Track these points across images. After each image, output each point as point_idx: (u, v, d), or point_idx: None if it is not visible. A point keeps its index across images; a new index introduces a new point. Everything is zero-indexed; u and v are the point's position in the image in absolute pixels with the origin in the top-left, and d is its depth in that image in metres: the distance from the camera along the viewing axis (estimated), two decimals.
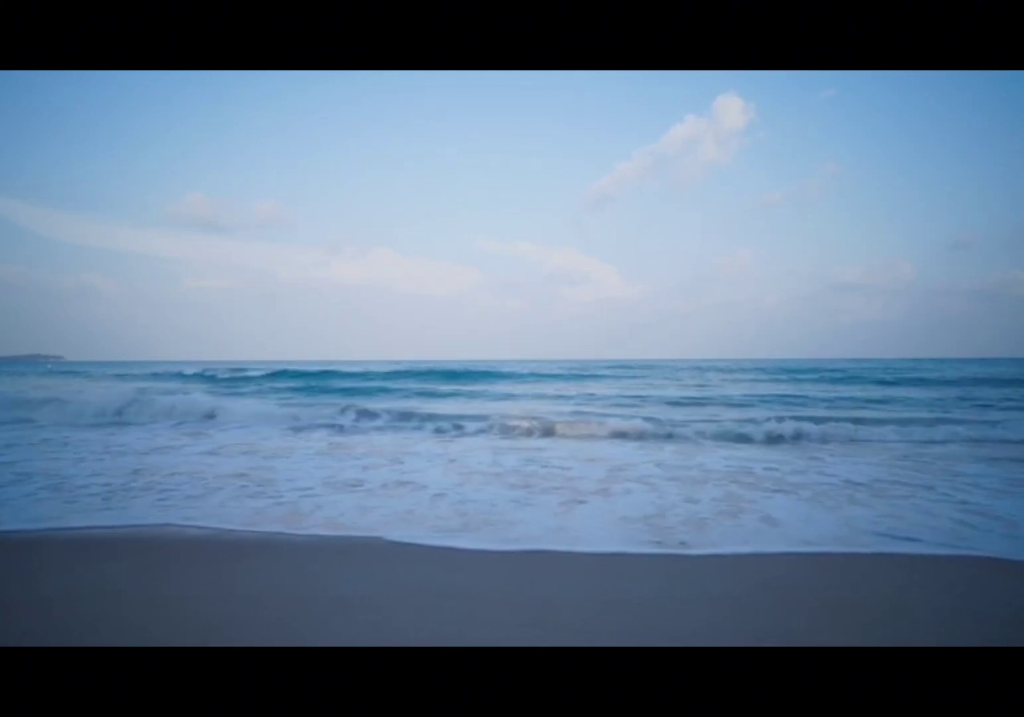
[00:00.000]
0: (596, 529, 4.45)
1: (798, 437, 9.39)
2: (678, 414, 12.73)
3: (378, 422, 11.54)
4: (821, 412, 12.66)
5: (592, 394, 18.60)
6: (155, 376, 31.36)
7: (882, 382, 24.55)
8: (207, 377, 28.56)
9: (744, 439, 9.39)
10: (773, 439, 9.35)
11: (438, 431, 10.40)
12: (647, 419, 10.82)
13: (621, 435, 9.73)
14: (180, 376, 30.35)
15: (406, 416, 11.83)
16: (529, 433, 10.16)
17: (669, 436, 9.65)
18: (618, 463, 7.28)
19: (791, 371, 32.93)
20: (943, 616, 2.88)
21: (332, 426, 11.07)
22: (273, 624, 2.73)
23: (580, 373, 32.30)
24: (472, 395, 19.06)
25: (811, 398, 16.31)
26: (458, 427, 10.59)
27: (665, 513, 4.88)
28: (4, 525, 4.46)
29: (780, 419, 10.24)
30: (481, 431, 10.31)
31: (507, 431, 10.23)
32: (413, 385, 22.99)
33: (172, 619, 2.78)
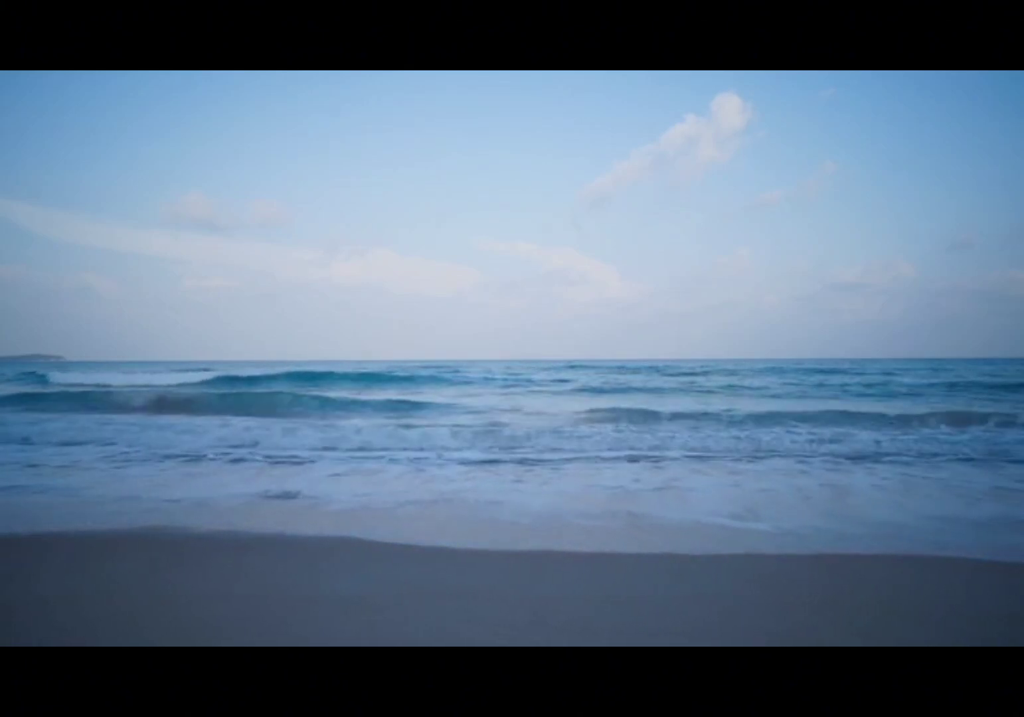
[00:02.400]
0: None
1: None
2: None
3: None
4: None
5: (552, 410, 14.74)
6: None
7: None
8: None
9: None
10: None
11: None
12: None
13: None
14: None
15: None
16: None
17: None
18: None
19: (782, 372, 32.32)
20: (942, 616, 2.88)
21: None
22: (272, 624, 2.73)
23: (567, 377, 29.20)
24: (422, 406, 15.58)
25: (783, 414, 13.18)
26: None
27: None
28: (4, 525, 4.46)
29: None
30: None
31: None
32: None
33: (172, 619, 2.78)
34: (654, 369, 36.29)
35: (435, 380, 27.16)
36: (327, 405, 15.58)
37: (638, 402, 16.04)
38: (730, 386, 23.01)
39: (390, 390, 22.63)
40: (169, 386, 23.10)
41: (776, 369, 35.70)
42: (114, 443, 8.77)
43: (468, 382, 26.93)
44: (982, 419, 10.93)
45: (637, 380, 26.70)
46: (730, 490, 5.89)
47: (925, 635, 2.66)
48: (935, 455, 7.77)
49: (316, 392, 19.14)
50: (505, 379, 28.13)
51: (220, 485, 6.05)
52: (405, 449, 8.43)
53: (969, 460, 7.48)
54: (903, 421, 11.05)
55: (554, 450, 8.41)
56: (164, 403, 15.77)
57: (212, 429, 9.69)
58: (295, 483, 6.14)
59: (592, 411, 13.39)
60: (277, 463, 7.40)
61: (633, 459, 7.65)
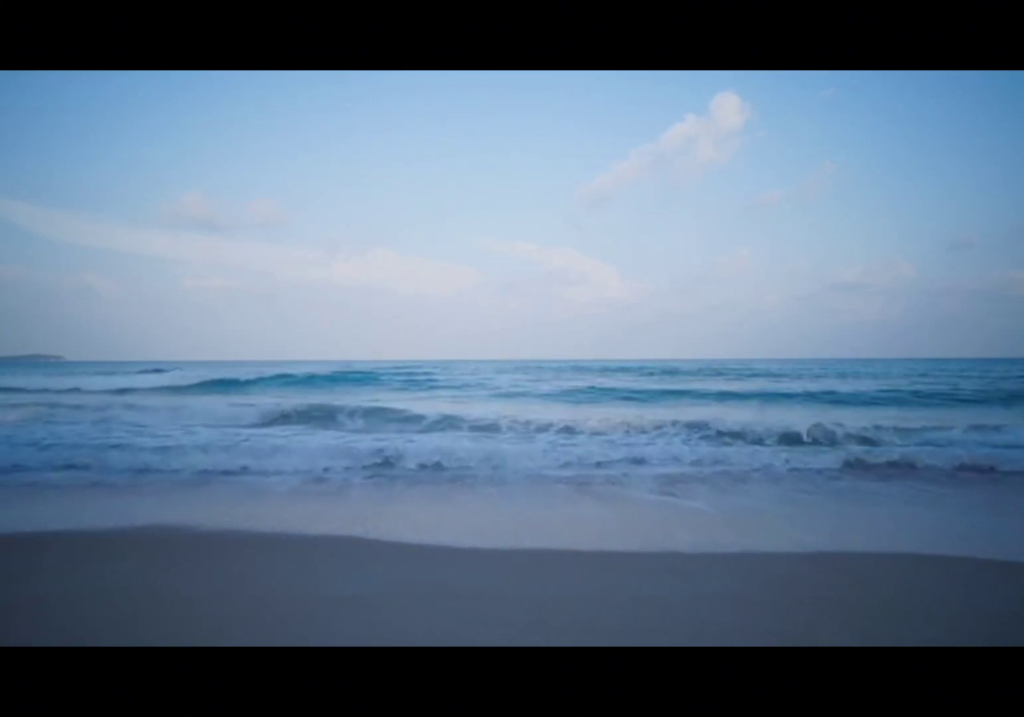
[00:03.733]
0: None
1: None
2: None
3: None
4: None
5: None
6: None
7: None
8: None
9: None
10: None
11: None
12: None
13: None
14: None
15: None
16: None
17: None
18: None
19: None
20: (943, 616, 2.88)
21: None
22: (273, 624, 2.73)
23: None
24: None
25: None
26: None
27: None
28: (4, 525, 4.46)
29: None
30: None
31: None
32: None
33: (172, 619, 2.78)
34: (646, 370, 35.62)
35: (414, 383, 24.37)
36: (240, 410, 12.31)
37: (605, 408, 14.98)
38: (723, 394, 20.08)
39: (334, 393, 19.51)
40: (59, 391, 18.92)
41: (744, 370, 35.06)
42: None
43: (441, 385, 23.69)
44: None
45: (619, 381, 25.77)
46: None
47: (926, 635, 2.66)
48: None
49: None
50: (479, 383, 24.47)
51: None
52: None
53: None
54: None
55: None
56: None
57: None
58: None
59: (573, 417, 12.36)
60: None
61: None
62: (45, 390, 20.11)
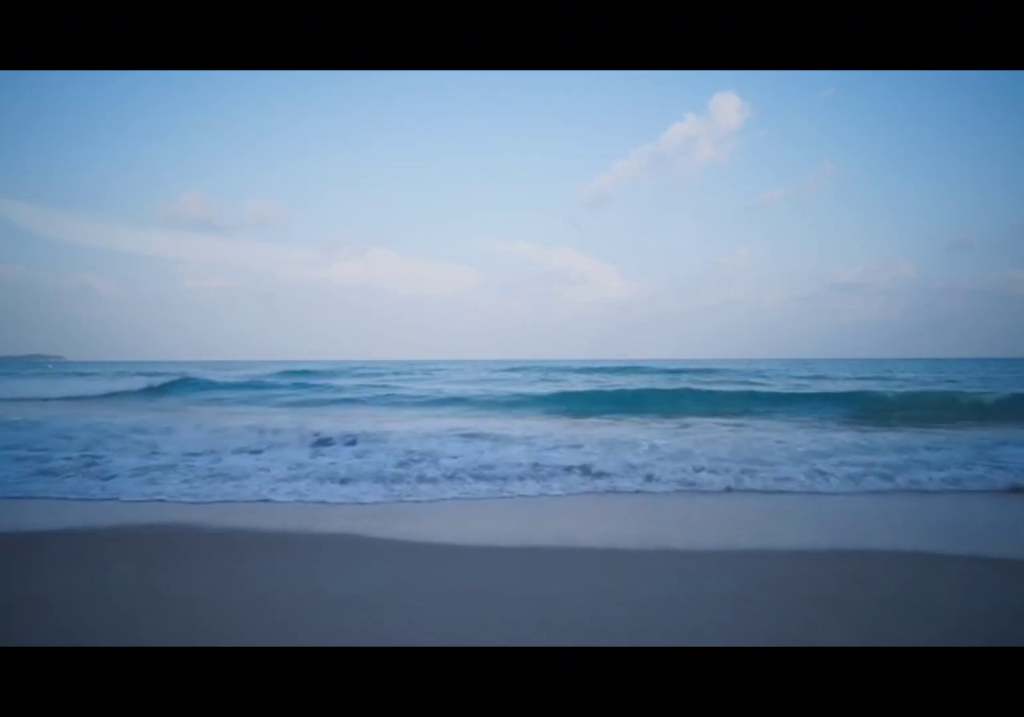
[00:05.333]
0: None
1: None
2: None
3: None
4: None
5: None
6: None
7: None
8: None
9: None
10: None
11: None
12: None
13: None
14: None
15: None
16: None
17: None
18: None
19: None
20: (943, 616, 2.88)
21: None
22: (273, 624, 2.73)
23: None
24: None
25: None
26: None
27: None
28: (4, 525, 4.46)
29: None
30: None
31: None
32: None
33: (172, 619, 2.78)
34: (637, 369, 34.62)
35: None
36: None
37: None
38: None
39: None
40: None
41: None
42: None
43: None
44: None
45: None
46: None
47: (926, 635, 2.66)
48: None
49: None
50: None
51: None
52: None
53: None
54: None
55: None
56: None
57: None
58: None
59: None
60: None
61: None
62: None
